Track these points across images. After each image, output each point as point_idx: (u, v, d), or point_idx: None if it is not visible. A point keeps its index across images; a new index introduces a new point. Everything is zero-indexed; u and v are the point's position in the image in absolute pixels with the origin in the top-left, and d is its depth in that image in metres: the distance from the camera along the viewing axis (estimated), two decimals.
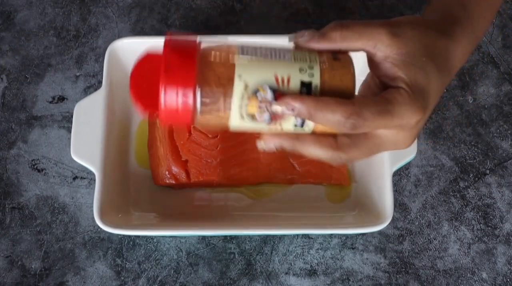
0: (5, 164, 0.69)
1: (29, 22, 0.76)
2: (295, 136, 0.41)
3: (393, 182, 0.61)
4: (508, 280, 0.65)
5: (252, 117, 0.40)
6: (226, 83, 0.39)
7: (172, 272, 0.65)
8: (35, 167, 0.69)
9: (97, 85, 0.72)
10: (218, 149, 0.64)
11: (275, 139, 0.41)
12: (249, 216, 0.65)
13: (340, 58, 0.41)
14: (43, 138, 0.71)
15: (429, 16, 0.46)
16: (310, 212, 0.65)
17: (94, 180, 0.60)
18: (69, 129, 0.70)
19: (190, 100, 0.39)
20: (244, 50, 0.40)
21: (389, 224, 0.60)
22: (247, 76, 0.39)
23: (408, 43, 0.40)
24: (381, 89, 0.42)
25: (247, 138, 0.65)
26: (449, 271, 0.65)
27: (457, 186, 0.68)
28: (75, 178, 0.69)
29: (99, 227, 0.59)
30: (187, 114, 0.39)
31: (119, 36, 0.74)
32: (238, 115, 0.40)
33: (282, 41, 0.65)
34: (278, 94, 0.39)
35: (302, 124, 0.40)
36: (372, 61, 0.42)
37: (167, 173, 0.64)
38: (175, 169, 0.64)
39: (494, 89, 0.72)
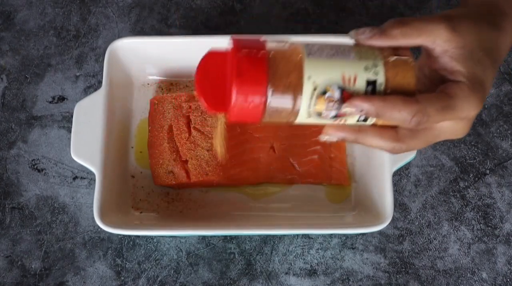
0: (5, 164, 0.70)
1: (29, 22, 0.76)
2: (358, 129, 0.43)
3: (393, 182, 0.61)
4: (508, 280, 0.65)
5: (319, 114, 0.41)
6: (295, 85, 0.40)
7: (172, 272, 0.65)
8: (35, 167, 0.69)
9: (97, 85, 0.72)
10: None
11: (339, 132, 0.43)
12: (249, 216, 0.65)
13: (401, 54, 0.42)
14: (43, 138, 0.71)
15: (473, 8, 0.47)
16: (310, 212, 0.65)
17: (94, 180, 0.60)
18: (69, 129, 0.70)
19: (262, 102, 0.40)
20: (310, 50, 0.41)
21: (389, 224, 0.60)
22: (316, 77, 0.40)
23: (466, 37, 0.42)
24: (432, 81, 0.43)
25: (247, 139, 0.65)
26: (449, 271, 0.65)
27: (457, 186, 0.68)
28: (75, 178, 0.69)
29: (99, 227, 0.59)
30: (257, 115, 0.41)
31: (119, 36, 0.74)
32: (305, 113, 0.41)
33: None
34: (345, 93, 0.40)
35: (365, 120, 0.42)
36: (429, 56, 0.43)
37: (167, 173, 0.64)
38: (175, 169, 0.64)
39: (494, 89, 0.72)
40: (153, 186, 0.67)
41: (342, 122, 0.42)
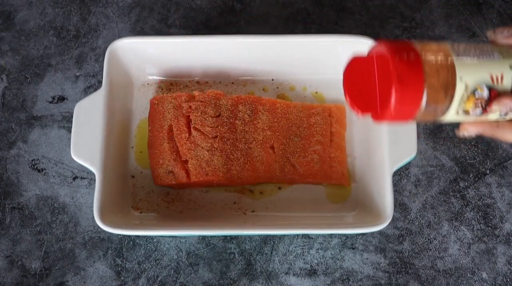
0: (5, 164, 0.70)
1: (29, 22, 0.76)
2: (496, 125, 0.45)
3: (393, 182, 0.62)
4: (508, 280, 0.65)
5: (466, 112, 0.43)
6: (449, 85, 0.42)
7: (172, 272, 0.65)
8: (35, 167, 0.69)
9: (97, 85, 0.72)
10: (218, 149, 0.64)
11: (478, 128, 0.46)
12: (249, 216, 0.65)
13: None
14: (43, 138, 0.71)
15: None
16: (310, 212, 0.65)
17: (94, 180, 0.60)
18: (69, 129, 0.70)
19: (419, 104, 0.42)
20: (457, 51, 0.43)
21: (389, 224, 0.60)
22: (467, 78, 0.42)
23: None
24: None
25: (248, 139, 0.65)
26: (449, 271, 0.65)
27: (457, 186, 0.68)
28: (75, 178, 0.69)
29: (99, 227, 0.59)
30: (412, 115, 0.43)
31: (119, 36, 0.74)
32: (454, 112, 0.43)
33: (281, 41, 0.65)
34: (493, 92, 0.43)
35: (506, 114, 0.44)
36: None
37: (167, 173, 0.64)
38: (175, 169, 0.64)
39: None
40: (153, 186, 0.67)
41: (484, 118, 0.44)
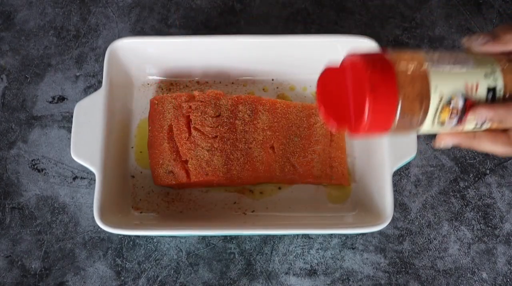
0: (5, 164, 0.70)
1: (29, 22, 0.76)
2: (472, 135, 0.44)
3: (393, 182, 0.62)
4: (508, 280, 0.65)
5: (442, 123, 0.42)
6: (423, 95, 0.41)
7: (172, 272, 0.65)
8: (35, 167, 0.69)
9: (97, 85, 0.72)
10: (218, 149, 0.64)
11: (454, 139, 0.45)
12: (249, 216, 0.65)
13: None
14: (43, 138, 0.71)
15: None
16: (310, 212, 0.65)
17: (94, 180, 0.60)
18: (69, 129, 0.70)
19: (393, 115, 0.41)
20: (432, 59, 0.42)
21: (389, 224, 0.60)
22: (442, 87, 0.41)
23: None
24: None
25: (248, 139, 0.65)
26: (449, 271, 0.65)
27: (457, 186, 0.68)
28: (75, 178, 0.69)
29: (99, 227, 0.59)
30: (387, 127, 0.41)
31: (119, 36, 0.74)
32: (430, 122, 0.42)
33: (282, 41, 0.65)
34: (468, 101, 0.42)
35: (481, 125, 0.43)
36: None
37: (167, 173, 0.64)
38: (175, 169, 0.64)
39: None
40: (153, 186, 0.67)
41: (460, 128, 0.43)
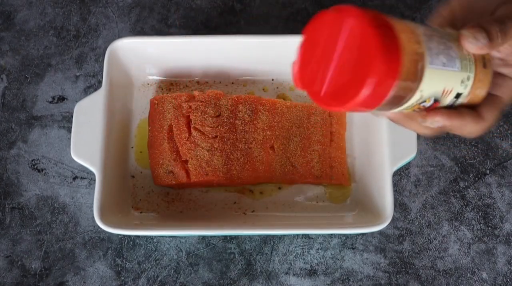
0: (5, 164, 0.70)
1: (29, 22, 0.76)
2: (406, 115, 0.42)
3: (393, 182, 0.61)
4: (508, 280, 0.65)
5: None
6: (410, 90, 0.38)
7: (172, 272, 0.65)
8: (35, 167, 0.69)
9: (97, 85, 0.72)
10: (218, 149, 0.64)
11: (438, 118, 0.41)
12: (249, 216, 0.65)
13: (488, 66, 0.42)
14: (43, 138, 0.71)
15: None
16: (310, 212, 0.65)
17: (94, 180, 0.60)
18: (69, 129, 0.70)
19: (385, 96, 0.36)
20: (430, 51, 0.38)
21: (389, 224, 0.60)
22: (426, 91, 0.38)
23: None
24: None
25: (248, 139, 0.65)
26: (449, 271, 0.65)
27: (457, 186, 0.68)
28: (75, 178, 0.69)
29: (99, 227, 0.59)
30: (372, 107, 0.36)
31: (119, 36, 0.74)
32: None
33: (281, 42, 0.65)
34: (436, 103, 0.40)
35: (457, 97, 0.41)
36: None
37: (167, 173, 0.64)
38: (175, 169, 0.64)
39: None
40: (153, 186, 0.67)
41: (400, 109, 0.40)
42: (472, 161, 0.69)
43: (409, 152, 0.61)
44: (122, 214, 0.63)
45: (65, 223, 0.67)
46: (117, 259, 0.66)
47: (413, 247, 0.66)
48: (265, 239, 0.66)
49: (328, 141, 0.67)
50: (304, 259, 0.66)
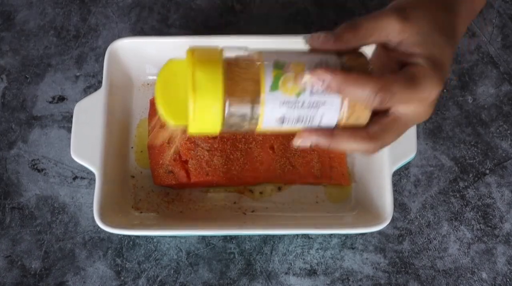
0: (5, 164, 0.70)
1: (29, 22, 0.76)
2: (331, 133, 0.42)
3: (393, 182, 0.62)
4: (508, 280, 0.65)
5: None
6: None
7: (172, 272, 0.65)
8: (35, 167, 0.69)
9: (97, 85, 0.72)
10: (218, 149, 0.64)
11: (313, 136, 0.43)
12: (249, 216, 0.65)
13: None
14: (43, 138, 0.71)
15: None
16: (310, 212, 0.65)
17: (94, 180, 0.60)
18: (69, 129, 0.70)
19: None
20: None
21: (389, 224, 0.60)
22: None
23: (418, 22, 0.42)
24: (390, 69, 0.43)
25: (247, 139, 0.65)
26: (449, 271, 0.65)
27: (457, 186, 0.69)
28: (75, 178, 0.69)
29: (99, 227, 0.59)
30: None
31: (119, 36, 0.74)
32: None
33: (281, 42, 0.65)
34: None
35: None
36: (386, 47, 0.44)
37: (167, 173, 0.64)
38: (175, 169, 0.64)
39: (494, 89, 0.72)
40: (153, 186, 0.67)
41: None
42: (471, 161, 0.69)
43: (408, 152, 0.61)
44: (122, 214, 0.63)
45: (65, 223, 0.67)
46: (117, 259, 0.66)
47: (413, 247, 0.66)
48: (265, 239, 0.66)
49: None
50: (304, 259, 0.66)
